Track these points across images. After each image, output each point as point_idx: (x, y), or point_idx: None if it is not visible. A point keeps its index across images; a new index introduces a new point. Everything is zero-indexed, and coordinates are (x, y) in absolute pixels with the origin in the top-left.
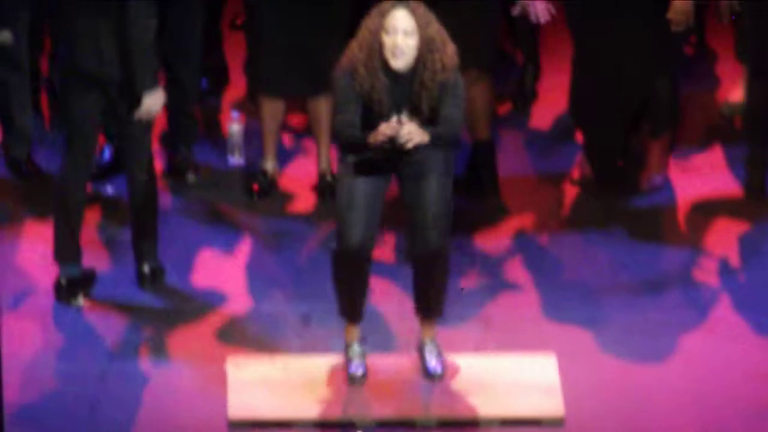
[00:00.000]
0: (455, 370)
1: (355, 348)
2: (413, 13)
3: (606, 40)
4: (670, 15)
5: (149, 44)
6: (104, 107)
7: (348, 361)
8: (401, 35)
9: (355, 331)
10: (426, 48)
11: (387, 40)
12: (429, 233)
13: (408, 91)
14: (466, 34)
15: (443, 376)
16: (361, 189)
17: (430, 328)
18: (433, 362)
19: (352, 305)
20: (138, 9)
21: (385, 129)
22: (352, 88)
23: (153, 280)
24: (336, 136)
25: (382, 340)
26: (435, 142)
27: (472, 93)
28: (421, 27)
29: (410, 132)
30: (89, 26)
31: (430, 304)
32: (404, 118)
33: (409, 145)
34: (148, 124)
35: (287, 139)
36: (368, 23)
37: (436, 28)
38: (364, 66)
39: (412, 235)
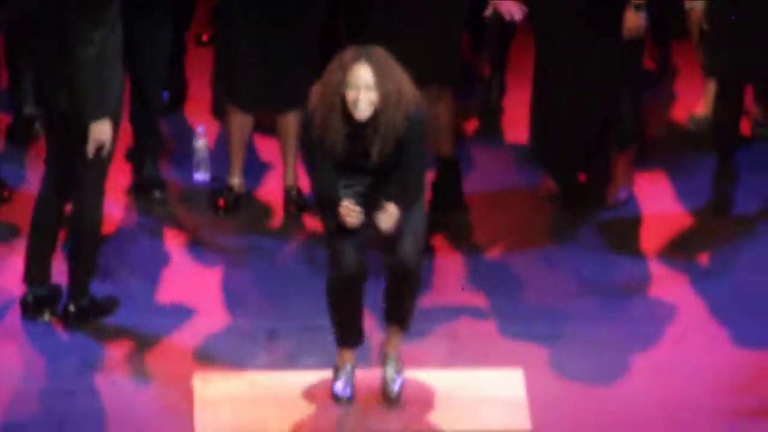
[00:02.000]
0: (422, 385)
1: (348, 369)
2: (373, 67)
3: (564, 55)
4: (624, 32)
5: (94, 66)
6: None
7: (336, 380)
8: (363, 90)
9: (349, 354)
10: (384, 102)
11: (349, 94)
12: (404, 251)
13: (363, 139)
14: (428, 49)
15: (399, 398)
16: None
17: (396, 340)
18: (392, 384)
19: (351, 330)
20: (82, 28)
21: (350, 220)
22: (318, 145)
23: (78, 319)
24: (317, 196)
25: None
26: (406, 207)
27: (436, 109)
28: (380, 82)
29: (387, 223)
30: (44, 51)
31: (400, 317)
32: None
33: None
34: (100, 155)
35: (253, 154)
36: (330, 77)
37: (396, 80)
38: (321, 117)
39: (388, 251)
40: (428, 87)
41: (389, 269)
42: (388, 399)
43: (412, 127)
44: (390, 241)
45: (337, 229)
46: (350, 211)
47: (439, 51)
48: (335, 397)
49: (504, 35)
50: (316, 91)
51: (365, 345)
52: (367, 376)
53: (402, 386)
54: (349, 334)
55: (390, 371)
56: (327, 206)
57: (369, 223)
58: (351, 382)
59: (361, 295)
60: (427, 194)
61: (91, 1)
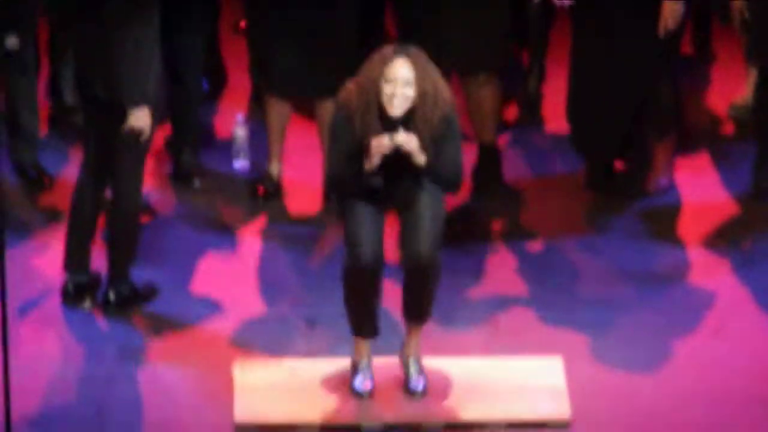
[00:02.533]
0: (461, 373)
1: (365, 363)
2: (413, 63)
3: (602, 43)
4: (661, 21)
5: (132, 52)
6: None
7: (354, 375)
8: (401, 85)
9: (365, 347)
10: (421, 100)
11: (386, 88)
12: (421, 245)
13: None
14: (476, 35)
15: (425, 392)
16: (364, 206)
17: (416, 335)
18: (415, 378)
19: (367, 321)
20: (120, 15)
21: (377, 145)
22: (347, 130)
23: (118, 307)
24: (330, 181)
25: (387, 343)
26: (432, 174)
27: (480, 96)
28: (419, 79)
29: (404, 138)
30: (83, 36)
31: (419, 312)
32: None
33: (408, 147)
34: (139, 142)
35: (293, 142)
36: (368, 70)
37: (432, 79)
38: (361, 114)
39: (404, 245)
40: (476, 73)
41: (405, 264)
42: (411, 396)
43: (449, 127)
44: (406, 237)
45: (356, 218)
46: (380, 142)
47: (487, 37)
48: (355, 393)
49: (544, 21)
50: (351, 84)
51: (398, 333)
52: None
53: (425, 384)
54: (365, 325)
55: (412, 371)
56: (346, 189)
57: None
58: (370, 375)
59: (379, 286)
60: (465, 184)
61: None
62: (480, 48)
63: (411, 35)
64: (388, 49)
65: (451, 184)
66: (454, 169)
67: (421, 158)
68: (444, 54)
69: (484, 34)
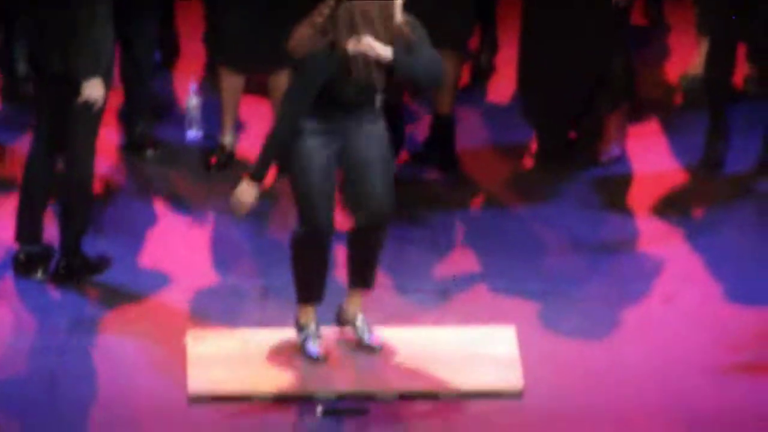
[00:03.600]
0: (413, 343)
1: (312, 328)
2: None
3: (553, 14)
4: None
5: (86, 25)
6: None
7: (305, 341)
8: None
9: (312, 312)
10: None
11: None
12: (380, 200)
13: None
14: (441, 12)
15: (379, 349)
16: (316, 171)
17: (358, 300)
18: (370, 335)
19: (316, 286)
20: None
21: (358, 45)
22: (324, 67)
23: (69, 277)
24: (285, 139)
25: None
26: (414, 73)
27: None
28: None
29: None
30: (38, 8)
31: (367, 275)
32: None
33: (376, 53)
34: (92, 114)
35: (246, 112)
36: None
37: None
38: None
39: (359, 201)
40: (441, 48)
41: (361, 223)
42: (370, 351)
43: (415, 31)
44: (361, 192)
45: (307, 180)
46: (357, 42)
47: (453, 12)
48: (310, 357)
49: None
50: (304, 32)
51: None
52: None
53: (381, 339)
54: (315, 291)
55: (365, 329)
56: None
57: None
58: (318, 339)
59: (328, 252)
60: (420, 149)
61: None
62: (446, 23)
63: None
64: None
65: (434, 79)
66: (435, 63)
67: (387, 51)
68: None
69: (450, 9)
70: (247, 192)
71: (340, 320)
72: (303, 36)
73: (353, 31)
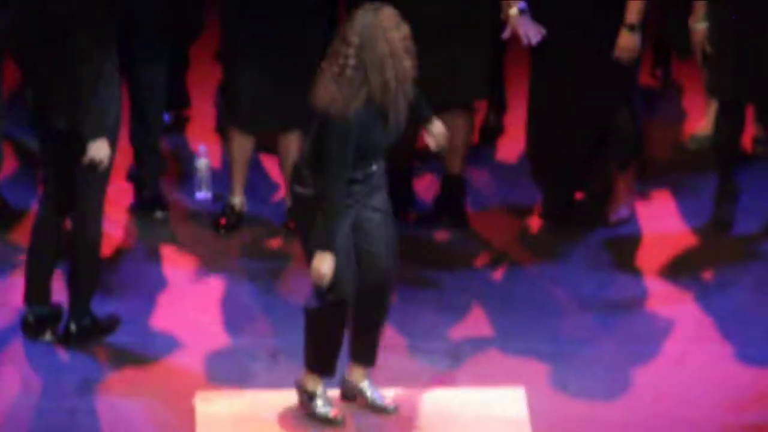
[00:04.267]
0: (422, 404)
1: (322, 391)
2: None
3: (559, 71)
4: (617, 53)
5: (92, 84)
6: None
7: (317, 405)
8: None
9: (320, 379)
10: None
11: (407, 61)
12: (383, 262)
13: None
14: (456, 71)
15: (395, 410)
16: (341, 245)
17: (361, 369)
18: (382, 399)
19: (333, 358)
20: (81, 45)
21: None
22: (356, 129)
23: (79, 338)
24: (336, 208)
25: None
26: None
27: (455, 127)
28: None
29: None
30: (44, 65)
31: (375, 351)
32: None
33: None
34: (99, 174)
35: (255, 174)
36: (390, 35)
37: None
38: (386, 103)
39: (364, 269)
40: (453, 107)
41: (365, 288)
42: (383, 412)
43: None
44: (368, 260)
45: (338, 253)
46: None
47: (468, 71)
48: (325, 419)
49: (497, 51)
50: (332, 89)
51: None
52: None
53: (388, 399)
54: (330, 364)
55: (376, 394)
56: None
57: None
58: (329, 402)
59: (345, 324)
60: (430, 209)
61: (90, 19)
62: (460, 82)
63: None
64: (389, 10)
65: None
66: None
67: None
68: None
69: (465, 69)
70: (325, 264)
71: (347, 393)
72: (333, 93)
73: (384, 77)
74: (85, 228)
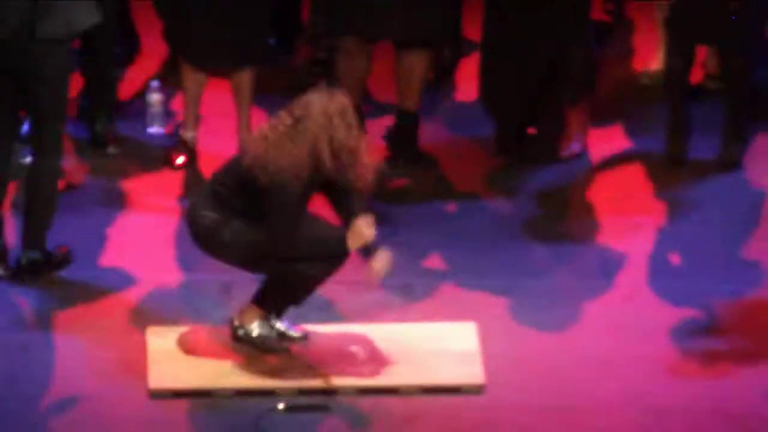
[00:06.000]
0: (375, 339)
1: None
2: None
3: (512, 7)
4: None
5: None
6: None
7: (266, 336)
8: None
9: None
10: None
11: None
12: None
13: None
14: (417, 11)
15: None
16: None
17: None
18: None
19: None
20: None
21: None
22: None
23: (30, 272)
24: (289, 246)
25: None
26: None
27: (412, 64)
28: None
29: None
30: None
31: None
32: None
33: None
34: (58, 105)
35: (207, 108)
36: (341, 126)
37: None
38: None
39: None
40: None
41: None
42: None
43: None
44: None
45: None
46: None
47: (429, 12)
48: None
49: None
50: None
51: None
52: (321, 330)
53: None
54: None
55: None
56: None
57: None
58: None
59: None
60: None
61: None
62: (421, 23)
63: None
64: (340, 97)
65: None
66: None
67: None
68: (380, 24)
69: (427, 9)
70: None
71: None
72: (288, 165)
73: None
74: (44, 161)
